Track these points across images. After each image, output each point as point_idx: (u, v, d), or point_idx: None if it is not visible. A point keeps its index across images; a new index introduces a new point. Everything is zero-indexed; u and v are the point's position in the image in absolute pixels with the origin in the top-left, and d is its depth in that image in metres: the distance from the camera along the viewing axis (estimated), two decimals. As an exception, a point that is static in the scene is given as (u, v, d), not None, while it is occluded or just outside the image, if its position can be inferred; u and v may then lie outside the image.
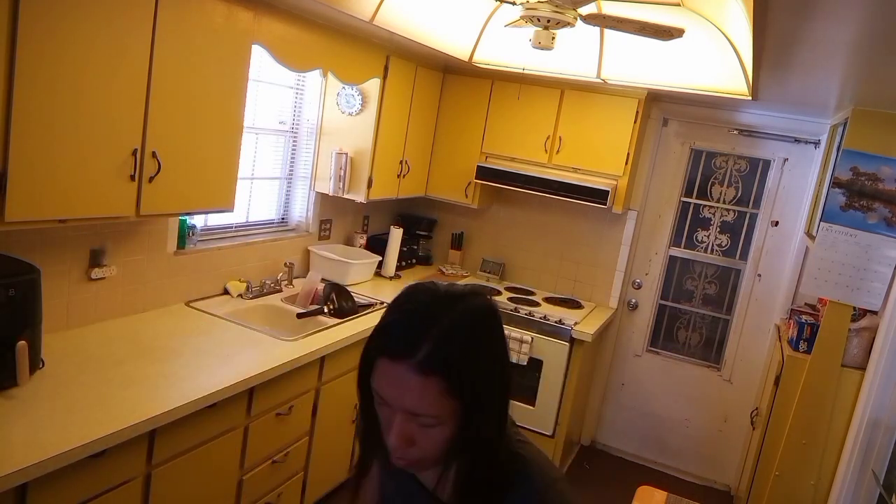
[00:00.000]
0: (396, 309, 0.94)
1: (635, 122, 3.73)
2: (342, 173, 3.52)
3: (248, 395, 2.36)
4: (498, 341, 0.95)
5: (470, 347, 0.90)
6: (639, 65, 3.40)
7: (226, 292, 3.13)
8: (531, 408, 3.76)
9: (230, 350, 2.49)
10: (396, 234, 4.03)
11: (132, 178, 2.12)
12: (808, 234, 3.37)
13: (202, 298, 3.01)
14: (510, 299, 3.98)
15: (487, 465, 0.96)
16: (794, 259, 3.80)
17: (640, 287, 4.22)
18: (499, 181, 3.98)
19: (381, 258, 3.99)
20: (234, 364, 2.37)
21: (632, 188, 3.98)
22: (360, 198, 3.58)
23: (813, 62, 2.20)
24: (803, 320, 3.12)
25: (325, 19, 2.90)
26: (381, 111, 3.50)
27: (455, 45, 3.51)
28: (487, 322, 0.94)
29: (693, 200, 4.06)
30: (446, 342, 0.88)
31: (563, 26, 2.36)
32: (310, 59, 2.95)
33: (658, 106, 4.00)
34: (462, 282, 4.18)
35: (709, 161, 4.01)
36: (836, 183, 2.87)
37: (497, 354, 0.95)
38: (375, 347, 0.92)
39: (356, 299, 3.39)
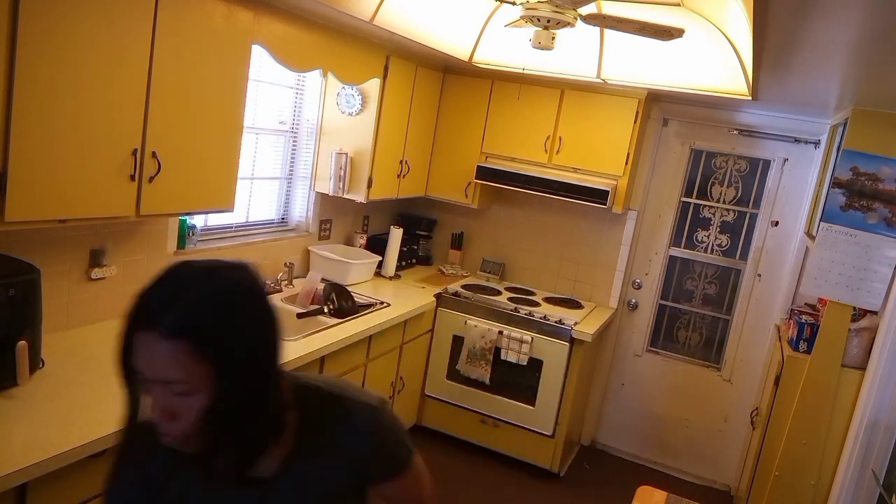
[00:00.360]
0: (151, 284, 0.97)
1: (635, 122, 3.73)
2: (342, 173, 3.53)
3: (248, 395, 2.36)
4: (253, 310, 0.97)
5: (217, 314, 0.92)
6: (639, 65, 3.41)
7: (226, 292, 3.13)
8: (531, 408, 3.76)
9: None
10: (396, 234, 4.03)
11: (132, 178, 2.12)
12: (808, 234, 3.37)
13: (202, 298, 3.00)
14: (510, 299, 3.98)
15: (259, 428, 0.97)
16: (794, 259, 3.80)
17: (640, 287, 4.22)
18: (499, 181, 3.98)
19: (381, 258, 3.99)
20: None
21: (632, 188, 3.98)
22: (360, 198, 3.58)
23: (813, 62, 2.20)
24: (803, 320, 3.12)
25: (325, 19, 2.90)
26: (381, 111, 3.50)
27: (455, 45, 3.51)
28: (241, 292, 0.96)
29: (693, 200, 4.06)
30: (193, 308, 0.91)
31: (563, 26, 2.36)
32: (310, 59, 2.95)
33: (658, 106, 4.00)
34: (461, 282, 4.18)
35: (709, 161, 4.01)
36: (836, 183, 2.87)
37: (251, 323, 0.95)
38: (129, 323, 0.93)
39: (356, 299, 3.39)
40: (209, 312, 0.92)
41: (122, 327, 0.94)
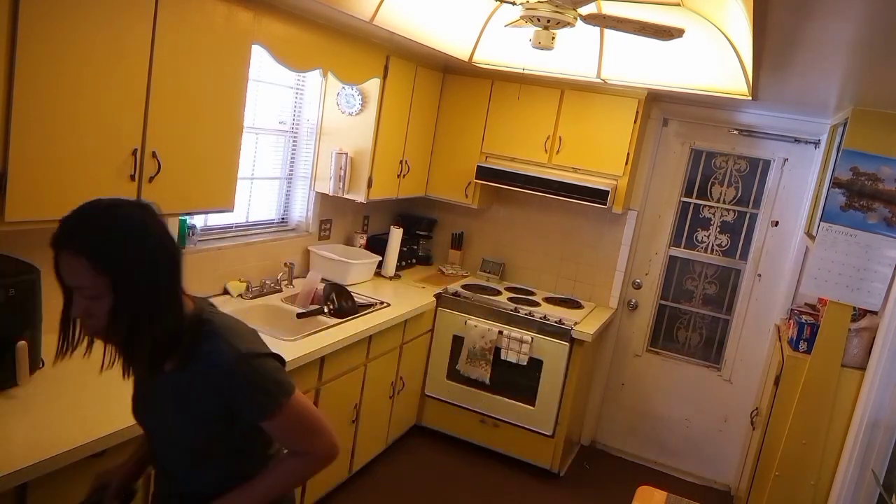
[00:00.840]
0: (68, 214, 1.23)
1: (635, 122, 3.73)
2: (342, 173, 3.53)
3: (248, 395, 2.36)
4: (143, 242, 1.24)
5: (111, 240, 1.20)
6: (639, 65, 3.41)
7: (226, 292, 3.13)
8: (531, 408, 3.76)
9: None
10: (396, 234, 4.03)
11: (132, 178, 2.12)
12: (808, 234, 3.37)
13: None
14: (510, 299, 3.98)
15: (150, 336, 1.25)
16: (794, 259, 3.80)
17: (640, 287, 4.22)
18: (499, 181, 3.98)
19: (381, 258, 3.99)
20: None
21: (632, 188, 3.98)
22: (360, 198, 3.58)
23: (813, 62, 2.20)
24: (803, 320, 3.12)
25: (325, 19, 2.90)
26: (381, 111, 3.50)
27: (455, 45, 3.51)
28: (136, 225, 1.24)
29: (693, 200, 4.06)
30: (93, 234, 1.20)
31: (563, 26, 2.36)
32: (310, 59, 2.95)
33: (658, 106, 4.00)
34: (461, 282, 4.19)
35: (709, 161, 4.01)
36: (836, 183, 2.87)
37: (140, 250, 1.23)
38: (52, 243, 1.20)
39: (356, 299, 3.39)
40: (105, 238, 1.20)
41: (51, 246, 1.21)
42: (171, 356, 1.32)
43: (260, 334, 1.55)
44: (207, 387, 1.33)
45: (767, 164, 3.88)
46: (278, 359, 1.45)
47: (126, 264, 1.21)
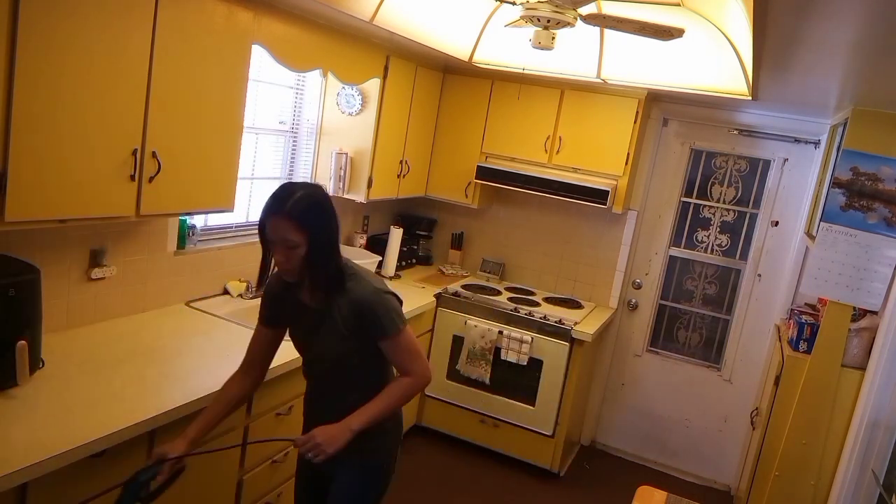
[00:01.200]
0: (277, 190, 1.78)
1: (635, 122, 3.73)
2: (342, 173, 3.53)
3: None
4: (325, 209, 1.82)
5: (308, 206, 1.77)
6: (639, 65, 3.41)
7: (226, 292, 3.13)
8: (531, 408, 3.76)
9: (230, 350, 2.49)
10: (396, 234, 4.03)
11: (132, 178, 2.12)
12: (808, 234, 3.37)
13: (202, 298, 3.00)
14: (510, 299, 3.98)
15: (326, 273, 1.83)
16: (794, 259, 3.80)
17: (640, 287, 4.22)
18: (499, 181, 3.98)
19: (381, 258, 3.99)
20: (235, 364, 2.36)
21: (632, 188, 3.99)
22: (360, 198, 3.58)
23: (813, 62, 2.20)
24: (803, 320, 3.12)
25: (325, 19, 2.90)
26: (381, 111, 3.50)
27: (455, 45, 3.51)
28: (321, 198, 1.82)
29: (693, 200, 4.06)
30: (298, 203, 1.74)
31: (563, 26, 2.36)
32: (310, 59, 2.95)
33: (658, 106, 4.00)
34: (461, 282, 4.19)
35: (709, 161, 4.01)
36: (836, 183, 2.87)
37: (325, 215, 1.81)
38: (265, 211, 1.76)
39: (356, 299, 3.39)
40: (305, 206, 1.76)
41: (262, 213, 1.77)
42: (332, 287, 1.85)
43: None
44: (351, 311, 1.85)
45: (767, 164, 3.88)
46: (398, 298, 1.96)
47: (317, 224, 1.78)
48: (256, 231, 1.81)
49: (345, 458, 1.83)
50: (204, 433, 1.89)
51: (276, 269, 1.83)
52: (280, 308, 1.98)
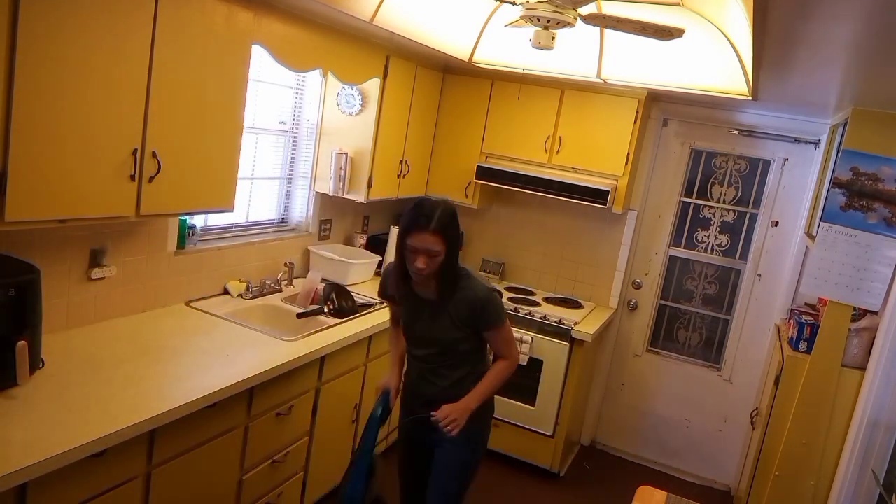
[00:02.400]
0: (419, 208, 2.11)
1: (635, 122, 3.73)
2: (342, 173, 3.53)
3: (248, 395, 2.36)
4: (458, 222, 2.16)
5: (449, 221, 2.11)
6: (639, 65, 3.41)
7: (226, 292, 3.13)
8: (531, 408, 3.76)
9: (230, 350, 2.49)
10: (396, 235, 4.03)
11: (132, 178, 2.12)
12: (808, 234, 3.37)
13: (202, 298, 3.01)
14: (510, 299, 3.98)
15: (451, 275, 2.18)
16: (794, 259, 3.80)
17: (640, 287, 4.22)
18: (499, 181, 3.98)
19: (381, 258, 3.99)
20: (234, 364, 2.37)
21: (632, 188, 3.98)
22: (360, 198, 3.58)
23: (813, 62, 2.20)
24: (803, 320, 3.12)
25: (325, 19, 2.90)
26: (381, 111, 3.50)
27: (455, 45, 3.51)
28: (455, 213, 2.14)
29: (693, 200, 4.06)
30: (440, 218, 2.08)
31: (563, 26, 2.36)
32: (310, 59, 2.95)
33: (658, 106, 4.00)
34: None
35: (709, 161, 4.01)
36: (836, 183, 2.87)
37: (458, 227, 2.16)
38: (411, 225, 2.09)
39: (356, 299, 3.39)
40: (448, 220, 2.10)
41: (404, 228, 2.11)
42: (453, 285, 2.19)
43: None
44: (466, 306, 2.19)
45: (767, 164, 3.88)
46: (500, 294, 2.27)
47: (454, 235, 2.13)
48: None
49: (469, 427, 2.24)
50: (402, 372, 2.44)
51: (414, 273, 2.14)
52: (395, 292, 2.34)
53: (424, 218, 2.06)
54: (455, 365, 2.29)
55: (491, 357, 2.36)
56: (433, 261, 2.09)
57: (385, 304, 3.41)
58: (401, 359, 2.45)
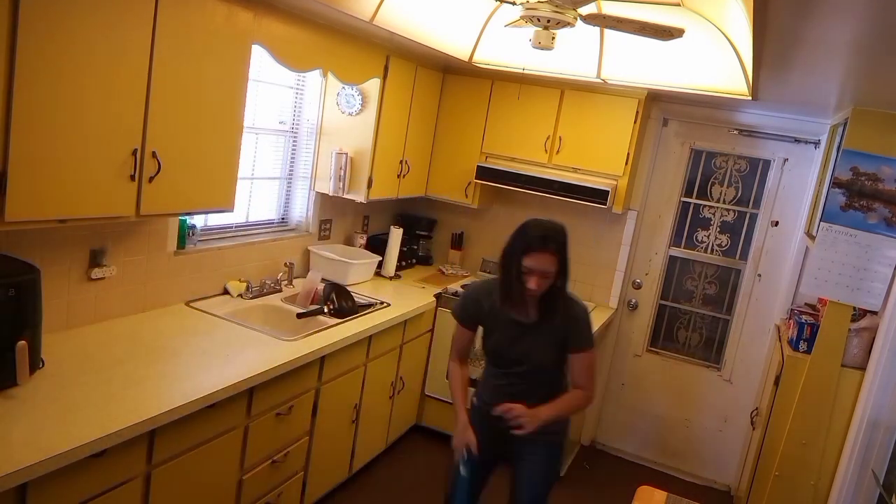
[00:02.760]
0: (536, 228, 2.15)
1: (635, 122, 3.73)
2: (342, 173, 3.53)
3: (248, 395, 2.36)
4: (568, 243, 2.17)
5: (565, 241, 2.16)
6: (639, 65, 3.41)
7: (226, 292, 3.13)
8: (531, 408, 3.76)
9: (230, 350, 2.49)
10: (396, 234, 4.03)
11: (132, 178, 2.12)
12: (808, 234, 3.37)
13: (202, 298, 3.01)
14: (510, 299, 3.97)
15: (559, 297, 2.21)
16: (794, 259, 3.80)
17: (640, 287, 4.22)
18: (499, 181, 3.98)
19: (381, 258, 3.99)
20: (234, 364, 2.37)
21: (632, 188, 3.98)
22: (360, 198, 3.58)
23: (813, 62, 2.20)
24: (803, 320, 3.12)
25: (325, 19, 2.90)
26: (381, 111, 3.50)
27: (455, 45, 3.51)
28: (567, 235, 2.17)
29: (693, 200, 4.06)
30: (558, 240, 2.13)
31: (563, 26, 2.36)
32: (310, 59, 2.95)
33: (658, 106, 4.00)
34: (461, 282, 4.19)
35: (709, 161, 4.01)
36: (836, 183, 2.87)
37: (568, 248, 2.16)
38: (529, 246, 2.11)
39: (356, 299, 3.39)
40: (564, 242, 2.15)
41: (520, 247, 2.13)
42: (558, 305, 2.21)
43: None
44: (565, 324, 2.23)
45: (767, 164, 3.88)
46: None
47: (566, 257, 2.16)
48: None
49: (537, 438, 2.26)
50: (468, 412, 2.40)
51: (528, 291, 2.16)
52: (479, 316, 2.35)
53: (542, 239, 2.09)
54: (542, 384, 2.30)
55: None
56: (545, 281, 2.12)
57: (385, 305, 3.45)
58: (465, 399, 2.41)
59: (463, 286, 4.07)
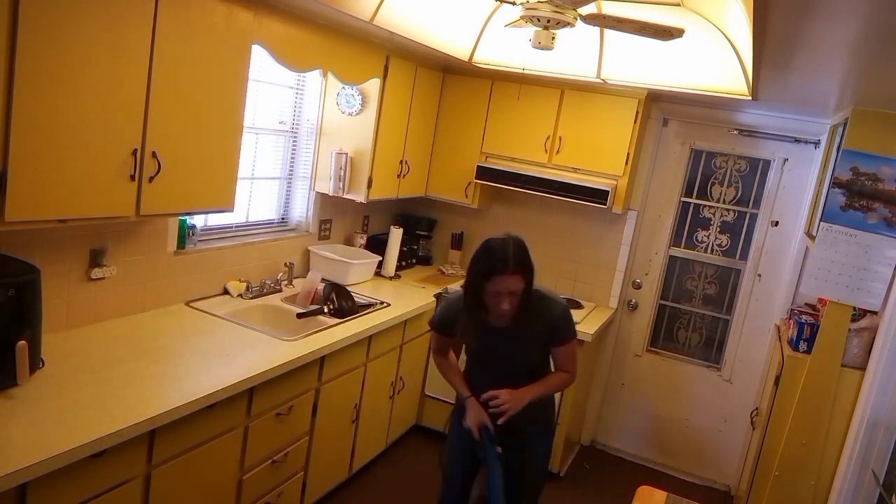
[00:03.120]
0: (492, 252, 2.12)
1: (635, 122, 3.73)
2: (342, 173, 3.53)
3: (248, 395, 2.36)
4: (528, 251, 2.14)
5: (523, 255, 2.12)
6: (639, 65, 3.40)
7: (226, 292, 3.13)
8: (531, 408, 3.76)
9: (230, 350, 2.49)
10: (396, 234, 4.03)
11: (132, 178, 2.12)
12: (808, 234, 3.37)
13: (202, 298, 3.01)
14: (510, 299, 3.97)
15: (532, 301, 2.18)
16: (794, 259, 3.80)
17: (640, 287, 4.22)
18: (499, 181, 3.98)
19: (381, 258, 3.99)
20: (234, 364, 2.37)
21: (632, 188, 3.98)
22: (360, 198, 3.58)
23: (813, 62, 2.20)
24: (803, 320, 3.12)
25: (325, 19, 2.90)
26: (381, 111, 3.50)
27: (455, 45, 3.51)
28: (524, 244, 2.15)
29: (693, 200, 4.06)
30: (516, 256, 2.09)
31: (563, 26, 2.36)
32: (310, 59, 2.95)
33: (658, 106, 4.00)
34: (461, 282, 4.17)
35: (709, 161, 4.01)
36: (836, 183, 2.87)
37: (530, 256, 2.13)
38: (489, 271, 2.08)
39: (356, 299, 3.39)
40: (527, 258, 2.12)
41: (480, 272, 2.11)
42: (532, 312, 2.20)
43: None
44: (546, 326, 2.26)
45: (767, 164, 3.88)
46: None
47: (530, 267, 2.13)
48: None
49: (541, 423, 2.44)
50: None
51: (493, 314, 2.17)
52: (456, 326, 2.33)
53: (501, 262, 2.07)
54: (527, 377, 2.33)
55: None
56: (516, 297, 2.12)
57: (385, 305, 3.45)
58: (464, 381, 2.43)
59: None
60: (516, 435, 2.33)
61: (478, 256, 2.15)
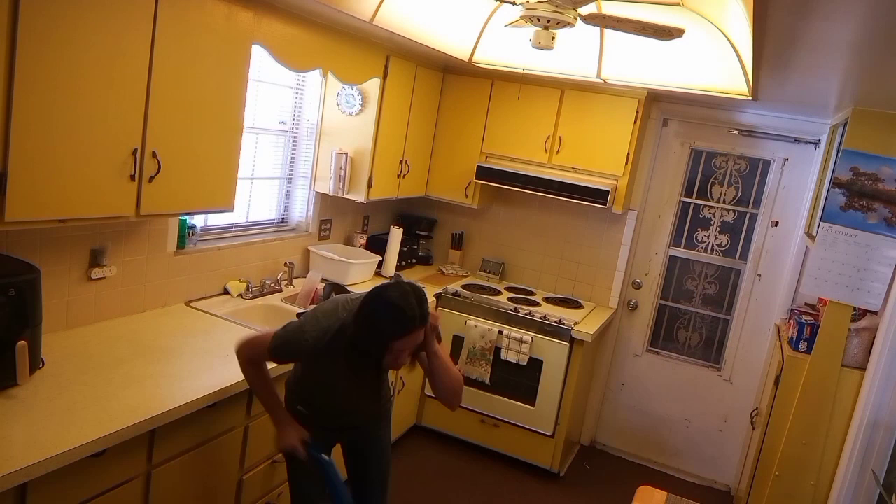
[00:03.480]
0: (404, 311, 1.90)
1: (635, 122, 3.73)
2: (342, 173, 3.53)
3: (249, 394, 2.36)
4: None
5: (427, 305, 1.96)
6: (639, 65, 3.40)
7: (226, 292, 3.13)
8: (531, 408, 3.76)
9: (230, 350, 2.48)
10: (396, 234, 4.03)
11: (132, 178, 2.12)
12: (808, 234, 3.37)
13: (202, 298, 3.01)
14: (510, 299, 3.98)
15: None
16: (794, 259, 3.80)
17: (640, 287, 4.22)
18: (499, 181, 3.98)
19: (381, 258, 3.99)
20: (235, 364, 2.37)
21: (632, 188, 3.98)
22: (360, 198, 3.58)
23: (813, 62, 2.20)
24: (803, 320, 3.12)
25: (325, 19, 2.90)
26: (381, 111, 3.50)
27: (455, 45, 3.51)
28: (424, 294, 1.98)
29: (693, 200, 4.06)
30: (424, 309, 1.94)
31: (563, 26, 2.36)
32: (310, 59, 2.95)
33: (658, 106, 4.00)
34: (461, 282, 4.19)
35: (709, 161, 4.01)
36: (836, 183, 2.87)
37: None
38: (401, 331, 1.91)
39: (356, 299, 3.39)
40: (426, 306, 1.94)
41: (396, 332, 1.91)
42: None
43: None
44: None
45: (767, 164, 3.88)
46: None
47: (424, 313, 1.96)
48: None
49: (387, 413, 2.39)
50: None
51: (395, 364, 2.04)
52: (301, 357, 2.16)
53: (412, 320, 1.89)
54: (374, 398, 2.31)
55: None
56: (410, 352, 2.02)
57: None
58: (277, 397, 2.20)
59: (463, 286, 4.07)
60: (358, 430, 2.32)
61: (382, 315, 1.90)
